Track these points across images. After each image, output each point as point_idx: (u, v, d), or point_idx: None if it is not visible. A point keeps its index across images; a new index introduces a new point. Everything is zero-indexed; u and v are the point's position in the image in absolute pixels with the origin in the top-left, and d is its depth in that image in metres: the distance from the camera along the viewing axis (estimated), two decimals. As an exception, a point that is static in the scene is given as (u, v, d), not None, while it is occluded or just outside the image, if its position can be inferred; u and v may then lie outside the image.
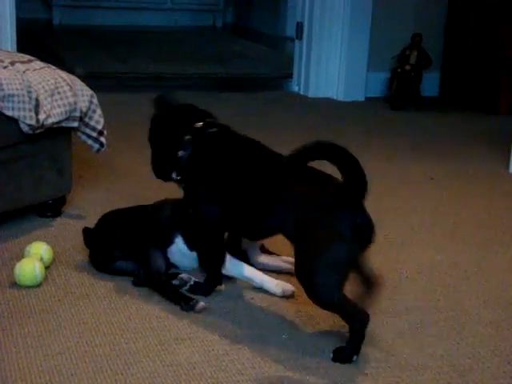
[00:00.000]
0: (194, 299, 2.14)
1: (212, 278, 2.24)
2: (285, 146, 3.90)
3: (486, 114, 4.74)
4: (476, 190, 3.38)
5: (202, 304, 2.13)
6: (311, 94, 5.17)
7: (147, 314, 2.11)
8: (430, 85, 5.18)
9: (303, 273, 1.92)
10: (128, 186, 3.16)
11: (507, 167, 3.64)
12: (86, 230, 2.41)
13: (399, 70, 4.94)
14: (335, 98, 5.12)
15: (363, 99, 5.13)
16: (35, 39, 6.77)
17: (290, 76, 5.41)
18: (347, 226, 1.84)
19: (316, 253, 1.88)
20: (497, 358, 1.95)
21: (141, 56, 6.16)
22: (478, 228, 2.90)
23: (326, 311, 1.96)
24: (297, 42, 5.31)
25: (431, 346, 2.00)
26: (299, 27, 5.24)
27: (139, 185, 3.15)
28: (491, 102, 4.78)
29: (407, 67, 4.91)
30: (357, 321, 1.87)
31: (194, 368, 1.85)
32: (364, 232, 1.87)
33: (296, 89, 5.31)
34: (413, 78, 4.92)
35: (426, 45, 4.99)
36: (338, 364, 1.88)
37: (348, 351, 1.89)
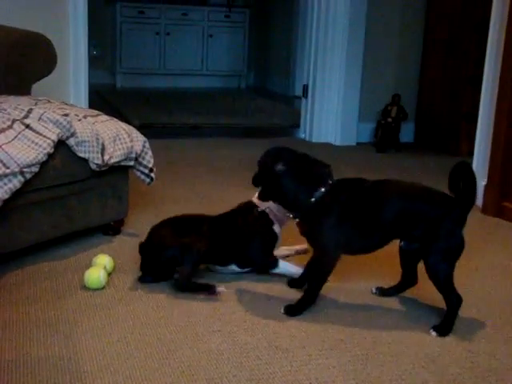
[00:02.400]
0: (214, 285, 2.22)
1: (312, 298, 2.13)
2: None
3: (451, 155, 4.71)
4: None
5: (221, 288, 2.21)
6: (314, 139, 5.17)
7: (186, 311, 2.10)
8: (406, 133, 5.16)
9: (436, 264, 2.03)
10: (172, 209, 3.16)
11: (467, 197, 3.59)
12: (141, 244, 2.37)
13: (383, 121, 4.92)
14: (333, 142, 5.11)
15: (355, 144, 5.11)
16: (102, 99, 6.83)
17: (298, 126, 5.41)
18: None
19: (447, 252, 2.03)
20: None
21: (182, 110, 6.19)
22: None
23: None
24: (303, 99, 5.31)
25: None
26: (305, 88, 5.25)
27: (180, 208, 3.15)
28: (454, 146, 4.75)
29: (389, 119, 4.90)
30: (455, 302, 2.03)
31: (223, 354, 1.84)
32: None
33: (302, 136, 5.31)
34: (393, 127, 4.91)
35: (404, 101, 4.99)
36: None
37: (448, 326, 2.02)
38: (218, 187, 3.68)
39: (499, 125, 3.27)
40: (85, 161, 2.46)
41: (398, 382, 1.74)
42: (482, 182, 3.43)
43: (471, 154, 3.66)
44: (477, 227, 3.17)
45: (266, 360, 1.82)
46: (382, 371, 1.79)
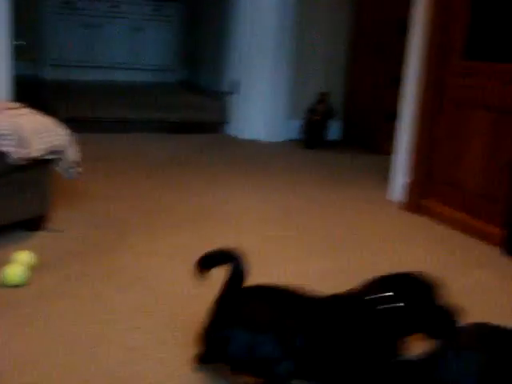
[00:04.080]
0: None
1: None
2: (220, 176, 3.98)
3: (374, 153, 4.83)
4: (365, 211, 3.43)
5: None
6: (244, 136, 5.19)
7: (108, 308, 2.08)
8: (334, 131, 5.26)
9: None
10: (96, 206, 3.13)
11: (387, 194, 3.70)
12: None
13: (310, 119, 5.00)
14: (262, 139, 5.15)
15: (283, 141, 5.17)
16: (29, 91, 6.65)
17: (227, 122, 5.43)
18: None
19: None
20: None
21: (111, 104, 6.11)
22: (364, 237, 2.95)
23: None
24: (232, 95, 5.33)
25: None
26: (234, 84, 5.27)
27: (106, 204, 3.13)
28: (377, 145, 4.87)
29: (316, 117, 4.98)
30: None
31: (143, 350, 1.84)
32: None
33: (231, 132, 5.33)
34: (321, 125, 4.99)
35: (332, 100, 5.08)
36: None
37: None
38: (145, 183, 3.66)
39: (419, 125, 3.38)
40: (5, 155, 2.40)
41: None
42: (401, 180, 3.54)
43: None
44: (397, 224, 3.27)
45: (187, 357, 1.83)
46: None
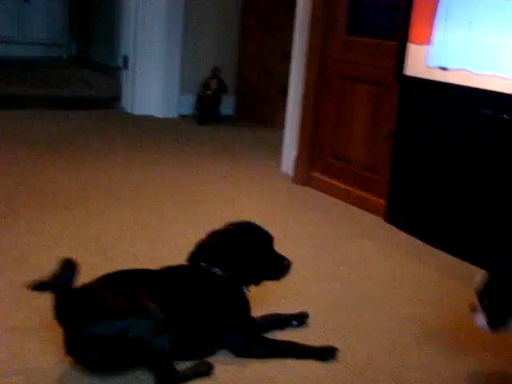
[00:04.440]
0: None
1: None
2: (112, 152, 3.93)
3: (268, 127, 4.90)
4: (259, 184, 3.49)
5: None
6: (136, 112, 5.12)
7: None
8: (227, 106, 5.27)
9: None
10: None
11: (279, 167, 3.78)
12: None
13: (203, 94, 4.99)
14: (155, 115, 5.10)
15: (177, 116, 5.14)
16: None
17: (120, 98, 5.33)
18: None
19: None
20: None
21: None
22: (250, 210, 3.01)
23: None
24: (124, 71, 5.24)
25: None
26: (125, 59, 5.18)
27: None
28: (271, 119, 4.94)
29: (209, 92, 4.98)
30: None
31: (28, 330, 1.81)
32: None
33: (125, 108, 5.24)
34: (213, 100, 5.00)
35: (225, 75, 5.08)
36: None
37: None
38: (35, 162, 3.56)
39: (307, 99, 3.46)
40: None
41: None
42: (292, 154, 3.63)
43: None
44: (286, 196, 3.35)
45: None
46: None
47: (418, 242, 2.76)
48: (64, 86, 6.08)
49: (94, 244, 2.45)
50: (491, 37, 2.40)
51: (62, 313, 1.56)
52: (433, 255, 2.63)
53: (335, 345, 1.80)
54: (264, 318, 1.92)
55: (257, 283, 1.86)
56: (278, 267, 1.85)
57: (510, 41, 2.34)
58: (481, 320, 1.59)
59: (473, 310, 1.62)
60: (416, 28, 2.71)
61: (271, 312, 1.95)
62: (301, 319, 1.95)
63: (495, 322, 1.57)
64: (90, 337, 1.52)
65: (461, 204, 2.60)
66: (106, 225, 2.67)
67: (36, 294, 1.97)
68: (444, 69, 2.58)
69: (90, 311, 1.55)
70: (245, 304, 1.81)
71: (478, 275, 1.63)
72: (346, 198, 3.23)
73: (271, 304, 2.02)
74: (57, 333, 1.80)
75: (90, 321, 1.53)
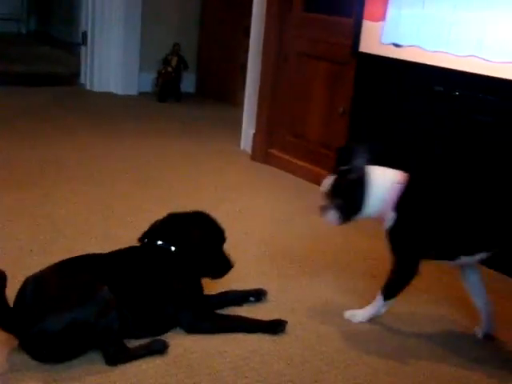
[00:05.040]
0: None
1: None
2: (73, 127, 3.89)
3: (229, 105, 4.89)
4: (218, 161, 3.49)
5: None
6: (96, 89, 5.07)
7: None
8: (188, 83, 5.24)
9: None
10: None
11: (239, 145, 3.79)
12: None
13: (163, 71, 4.94)
14: (115, 92, 5.04)
15: (137, 94, 5.09)
16: None
17: (80, 74, 5.26)
18: None
19: None
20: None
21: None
22: (208, 187, 3.01)
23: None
24: (83, 47, 5.16)
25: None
26: (84, 35, 5.10)
27: None
28: (232, 97, 4.92)
29: (169, 69, 4.93)
30: None
31: None
32: None
33: (84, 85, 5.17)
34: (174, 77, 4.95)
35: (185, 52, 5.04)
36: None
37: None
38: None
39: (265, 76, 3.45)
40: None
41: None
42: (251, 131, 3.63)
43: (245, 103, 3.83)
44: (244, 173, 3.36)
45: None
46: None
47: (373, 217, 2.79)
48: (23, 61, 5.97)
49: (47, 221, 2.43)
50: (443, 14, 2.42)
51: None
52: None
53: (287, 319, 1.83)
54: (221, 294, 1.94)
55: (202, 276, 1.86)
56: (222, 265, 1.87)
57: (460, 18, 2.37)
58: (332, 216, 1.82)
59: (323, 210, 1.84)
60: (371, 5, 2.72)
61: (228, 289, 1.97)
62: (258, 296, 1.98)
63: (345, 217, 1.82)
64: (38, 334, 1.52)
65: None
66: (60, 202, 2.65)
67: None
68: (397, 45, 2.60)
69: (36, 308, 1.53)
70: (196, 282, 1.83)
71: (326, 179, 1.83)
72: (303, 174, 3.25)
73: (226, 280, 2.03)
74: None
75: (36, 319, 1.51)
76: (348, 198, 1.80)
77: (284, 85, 3.37)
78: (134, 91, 5.08)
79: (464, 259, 1.79)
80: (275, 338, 1.78)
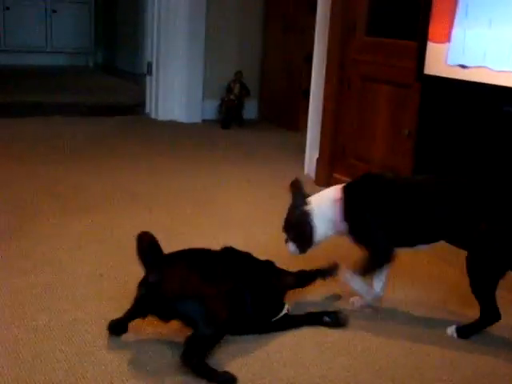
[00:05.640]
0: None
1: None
2: (139, 155, 3.97)
3: (291, 131, 4.90)
4: (281, 187, 3.46)
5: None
6: (161, 117, 5.17)
7: (14, 290, 2.06)
8: (250, 110, 5.29)
9: None
10: (4, 194, 3.07)
11: (303, 170, 3.78)
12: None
13: (226, 98, 5.01)
14: (179, 120, 5.13)
15: (200, 121, 5.17)
16: None
17: (144, 104, 5.38)
18: None
19: None
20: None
21: (23, 88, 5.98)
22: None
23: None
24: (148, 77, 5.29)
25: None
26: (149, 66, 5.23)
27: (15, 193, 3.07)
28: (294, 122, 4.94)
29: (232, 96, 5.00)
30: None
31: (51, 331, 1.84)
32: None
33: (149, 114, 5.29)
34: (236, 104, 5.02)
35: (247, 79, 5.10)
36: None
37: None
38: (61, 166, 3.61)
39: (327, 101, 3.45)
40: None
41: None
42: (315, 156, 3.62)
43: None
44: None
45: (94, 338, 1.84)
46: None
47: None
48: (90, 93, 6.15)
49: (115, 247, 2.48)
50: (511, 33, 2.37)
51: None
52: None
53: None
54: None
55: None
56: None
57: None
58: (291, 247, 2.04)
59: (286, 241, 2.05)
60: (435, 26, 2.69)
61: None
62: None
63: (302, 248, 2.03)
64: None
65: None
66: (127, 227, 2.69)
67: (58, 295, 2.02)
68: (464, 67, 2.56)
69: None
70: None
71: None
72: (369, 198, 3.21)
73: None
74: (78, 334, 1.83)
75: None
76: (298, 234, 2.01)
77: (347, 109, 3.36)
78: (198, 119, 5.16)
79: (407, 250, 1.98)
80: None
